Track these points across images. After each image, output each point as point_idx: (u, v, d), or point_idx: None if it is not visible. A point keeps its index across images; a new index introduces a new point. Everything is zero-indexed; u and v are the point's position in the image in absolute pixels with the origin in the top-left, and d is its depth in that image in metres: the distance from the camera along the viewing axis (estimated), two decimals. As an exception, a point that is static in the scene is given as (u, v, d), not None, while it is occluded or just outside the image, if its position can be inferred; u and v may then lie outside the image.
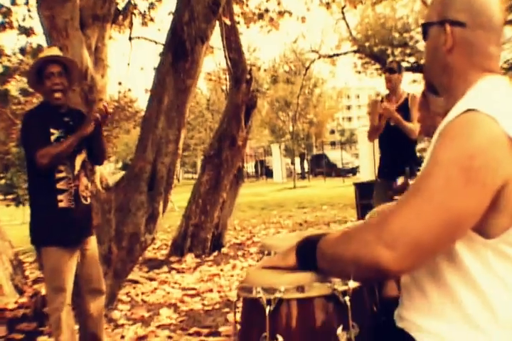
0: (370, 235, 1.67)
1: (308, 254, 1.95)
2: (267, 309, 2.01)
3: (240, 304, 2.29)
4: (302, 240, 2.04)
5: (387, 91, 7.28)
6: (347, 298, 2.02)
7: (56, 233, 4.73)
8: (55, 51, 5.10)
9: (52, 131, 4.75)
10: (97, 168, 6.68)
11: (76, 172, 4.85)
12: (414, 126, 6.63)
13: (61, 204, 4.74)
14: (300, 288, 2.02)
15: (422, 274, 1.86)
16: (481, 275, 1.74)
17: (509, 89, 1.87)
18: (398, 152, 6.97)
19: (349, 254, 1.73)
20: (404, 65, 25.70)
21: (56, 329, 4.68)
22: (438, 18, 1.95)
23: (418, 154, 7.68)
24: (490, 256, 1.73)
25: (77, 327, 5.17)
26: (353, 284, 2.04)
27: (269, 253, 3.03)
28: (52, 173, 4.71)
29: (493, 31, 1.90)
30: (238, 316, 2.32)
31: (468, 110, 1.66)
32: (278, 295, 2.01)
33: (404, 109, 6.93)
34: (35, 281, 8.76)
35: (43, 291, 7.32)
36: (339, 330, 2.01)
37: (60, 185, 4.73)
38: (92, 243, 5.10)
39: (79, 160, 4.91)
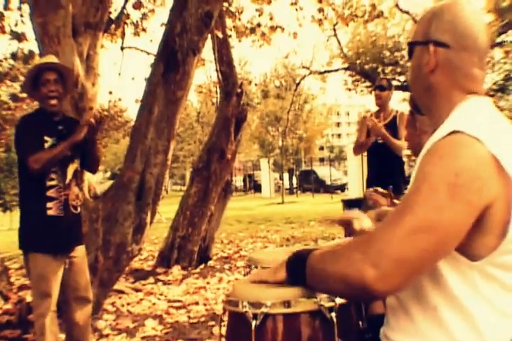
0: (357, 253, 1.66)
1: (298, 270, 1.93)
2: (253, 323, 1.99)
3: (226, 317, 2.26)
4: (292, 255, 2.02)
5: (376, 109, 7.31)
6: (333, 314, 2.01)
7: (44, 240, 4.73)
8: (51, 58, 5.12)
9: (46, 138, 4.77)
10: (85, 177, 6.66)
11: (67, 181, 4.86)
12: (401, 143, 6.65)
13: (50, 212, 4.74)
14: (286, 303, 2.01)
15: (408, 296, 1.85)
16: (467, 297, 1.73)
17: (492, 110, 1.88)
18: (385, 168, 7.00)
19: (337, 272, 1.71)
20: (394, 83, 25.82)
21: (40, 336, 4.67)
22: (423, 37, 1.96)
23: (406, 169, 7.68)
24: (476, 278, 1.72)
25: (63, 335, 5.15)
26: (339, 300, 2.03)
27: (256, 267, 3.01)
28: (43, 180, 4.73)
29: (477, 54, 1.90)
30: (224, 330, 2.30)
31: (454, 132, 1.67)
32: (264, 309, 2.00)
33: (392, 127, 6.95)
34: (21, 288, 8.70)
35: (28, 298, 7.27)
36: (325, 347, 2.00)
37: (50, 193, 4.74)
38: (81, 251, 5.09)
39: (71, 170, 4.92)
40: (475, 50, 1.89)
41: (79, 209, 5.01)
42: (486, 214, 1.64)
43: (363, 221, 2.59)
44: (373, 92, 7.27)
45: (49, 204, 4.73)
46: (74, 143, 4.80)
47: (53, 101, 4.82)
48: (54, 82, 4.81)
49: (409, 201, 1.66)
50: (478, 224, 1.65)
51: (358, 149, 7.37)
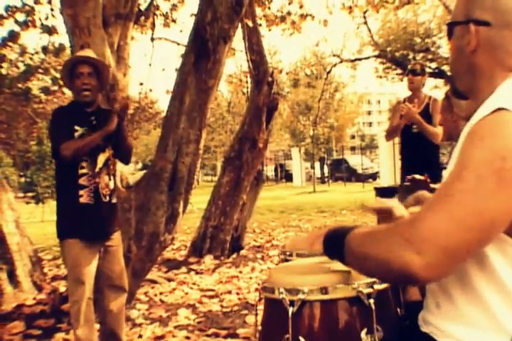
0: (400, 239, 1.59)
1: (335, 246, 1.88)
2: (290, 310, 1.98)
3: (261, 304, 2.25)
4: (330, 231, 1.98)
5: (408, 95, 7.23)
6: (371, 301, 1.99)
7: (76, 226, 4.85)
8: (88, 53, 5.25)
9: (76, 127, 4.89)
10: (118, 167, 6.68)
11: (97, 169, 4.93)
12: (437, 130, 6.56)
13: (81, 200, 4.84)
14: (324, 290, 1.99)
15: (450, 279, 1.79)
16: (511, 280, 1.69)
17: None
18: (420, 158, 6.89)
19: (378, 256, 1.66)
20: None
21: (75, 322, 4.75)
22: (463, 17, 1.89)
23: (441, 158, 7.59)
24: None
25: (97, 325, 5.20)
26: (377, 286, 2.00)
27: (290, 255, 2.99)
28: (75, 169, 4.84)
29: None
30: (258, 318, 2.28)
31: (499, 109, 1.60)
32: (301, 296, 1.98)
33: (425, 114, 6.86)
34: (54, 278, 8.81)
35: (62, 288, 7.35)
36: (363, 333, 1.98)
37: (81, 181, 4.84)
38: (116, 240, 5.20)
39: (101, 158, 5.00)
40: None
41: (110, 198, 5.07)
42: None
43: (401, 209, 2.55)
44: (406, 77, 7.18)
45: (81, 192, 4.83)
46: (107, 133, 4.92)
47: (86, 93, 4.95)
48: (88, 75, 4.95)
49: (453, 188, 1.58)
50: None
51: (390, 134, 7.29)
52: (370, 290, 1.99)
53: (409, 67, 7.27)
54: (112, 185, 5.12)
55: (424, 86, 7.16)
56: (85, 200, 4.83)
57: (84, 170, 4.86)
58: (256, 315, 2.33)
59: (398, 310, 2.22)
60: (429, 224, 1.56)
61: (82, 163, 4.84)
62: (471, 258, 1.69)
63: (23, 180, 29.18)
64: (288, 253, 3.06)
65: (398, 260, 1.58)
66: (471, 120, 1.70)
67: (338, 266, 1.94)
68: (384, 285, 2.07)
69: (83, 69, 4.93)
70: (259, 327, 2.26)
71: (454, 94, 2.15)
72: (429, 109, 6.93)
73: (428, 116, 6.84)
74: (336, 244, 1.88)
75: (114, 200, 5.13)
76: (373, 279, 2.04)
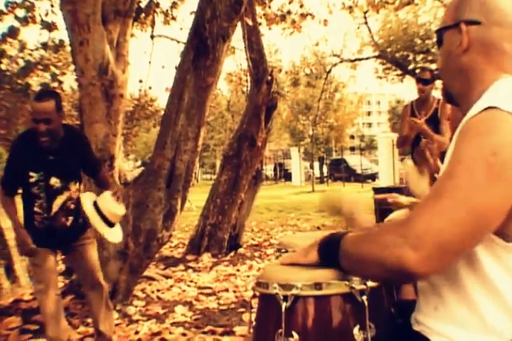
0: (394, 236, 1.61)
1: (331, 252, 1.90)
2: (283, 305, 1.98)
3: (254, 303, 2.26)
4: (325, 237, 2.00)
5: (409, 99, 7.15)
6: (364, 298, 1.99)
7: (32, 235, 4.68)
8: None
9: (31, 174, 4.55)
10: (116, 164, 6.68)
11: (52, 214, 4.70)
12: (443, 139, 6.53)
13: (36, 223, 4.72)
14: (317, 286, 1.99)
15: (440, 280, 1.81)
16: (501, 281, 1.69)
17: None
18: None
19: (373, 255, 1.68)
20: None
21: (43, 318, 4.82)
22: (452, 21, 1.92)
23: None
24: (511, 260, 1.68)
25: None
26: (371, 283, 2.01)
27: (286, 252, 3.00)
28: (30, 204, 4.72)
29: (508, 28, 1.85)
30: (253, 316, 2.29)
31: (489, 108, 1.62)
32: (295, 291, 1.99)
33: (433, 119, 6.77)
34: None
35: (59, 284, 7.36)
36: (355, 330, 1.98)
37: (35, 217, 4.71)
38: (82, 240, 5.00)
39: (58, 202, 4.72)
40: (507, 24, 1.84)
41: (70, 223, 4.85)
42: None
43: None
44: (416, 85, 7.04)
45: (36, 217, 4.72)
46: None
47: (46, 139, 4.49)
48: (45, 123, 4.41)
49: (446, 184, 1.61)
50: None
51: (401, 143, 7.26)
52: (363, 286, 1.99)
53: (418, 74, 7.15)
54: (70, 222, 4.86)
55: (433, 90, 7.03)
56: (39, 225, 4.72)
57: (38, 210, 4.68)
58: (250, 312, 2.34)
59: (391, 308, 2.23)
60: (423, 220, 1.58)
61: (34, 207, 4.68)
62: (462, 259, 1.71)
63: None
64: (283, 250, 3.06)
65: (393, 256, 1.59)
66: (464, 118, 1.71)
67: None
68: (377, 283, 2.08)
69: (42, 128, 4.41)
70: (254, 323, 2.26)
71: (447, 100, 2.13)
72: (437, 114, 6.85)
73: (436, 121, 6.77)
74: (331, 249, 1.90)
75: (76, 223, 4.90)
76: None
